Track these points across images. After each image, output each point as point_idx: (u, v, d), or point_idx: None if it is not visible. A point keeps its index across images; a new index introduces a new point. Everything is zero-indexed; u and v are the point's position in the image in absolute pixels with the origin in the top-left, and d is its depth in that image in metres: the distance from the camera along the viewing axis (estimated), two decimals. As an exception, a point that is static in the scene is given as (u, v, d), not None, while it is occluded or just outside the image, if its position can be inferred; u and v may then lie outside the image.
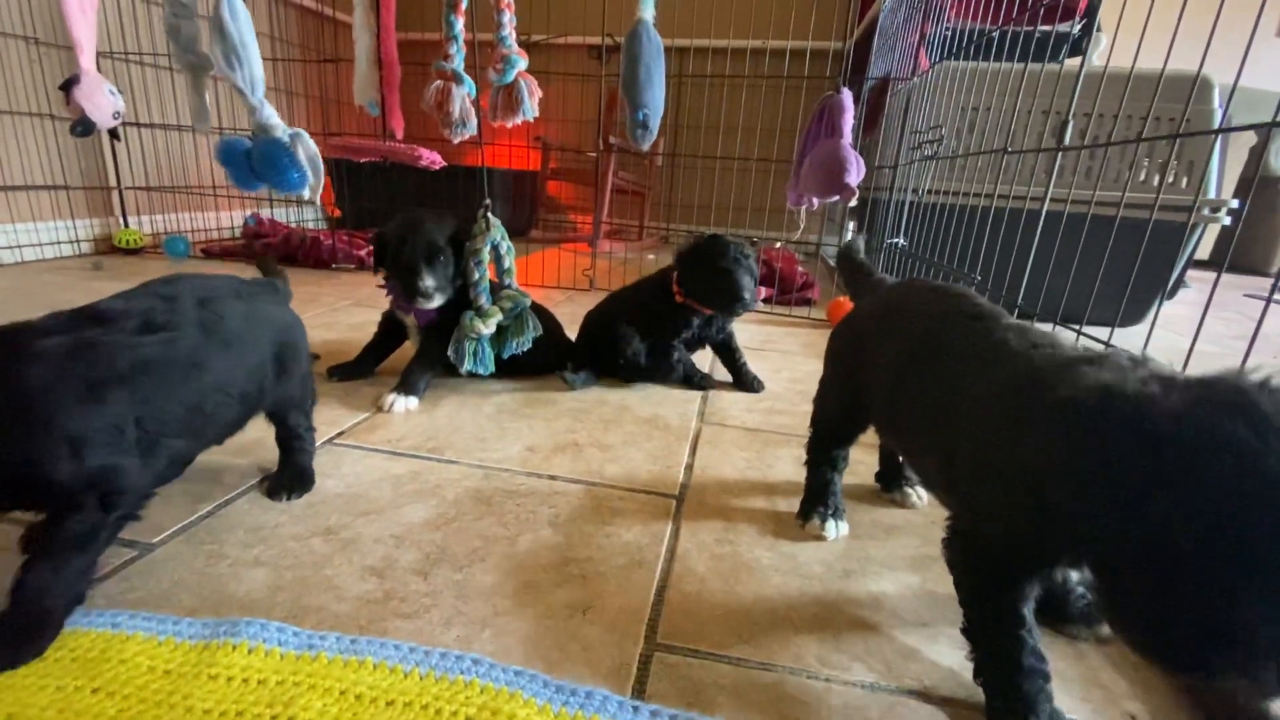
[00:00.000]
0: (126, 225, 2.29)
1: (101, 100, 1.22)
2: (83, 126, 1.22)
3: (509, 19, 1.03)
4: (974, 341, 0.54)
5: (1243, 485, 0.30)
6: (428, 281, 1.02)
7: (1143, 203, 1.21)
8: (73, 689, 0.45)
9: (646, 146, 1.11)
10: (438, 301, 1.06)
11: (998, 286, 1.14)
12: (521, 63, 1.04)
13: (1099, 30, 2.46)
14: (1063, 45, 2.38)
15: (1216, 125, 2.00)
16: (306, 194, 1.18)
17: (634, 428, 1.01)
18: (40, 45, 2.00)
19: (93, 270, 1.96)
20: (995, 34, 1.67)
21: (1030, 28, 2.11)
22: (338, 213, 3.07)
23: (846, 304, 1.82)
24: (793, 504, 0.77)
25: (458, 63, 1.01)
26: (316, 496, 0.75)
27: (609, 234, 3.49)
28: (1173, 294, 2.28)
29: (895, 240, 1.83)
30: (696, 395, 1.20)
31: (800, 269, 2.25)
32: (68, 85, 1.20)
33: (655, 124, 1.10)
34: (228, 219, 2.70)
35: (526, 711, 0.45)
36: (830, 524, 0.72)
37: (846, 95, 1.25)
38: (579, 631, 0.55)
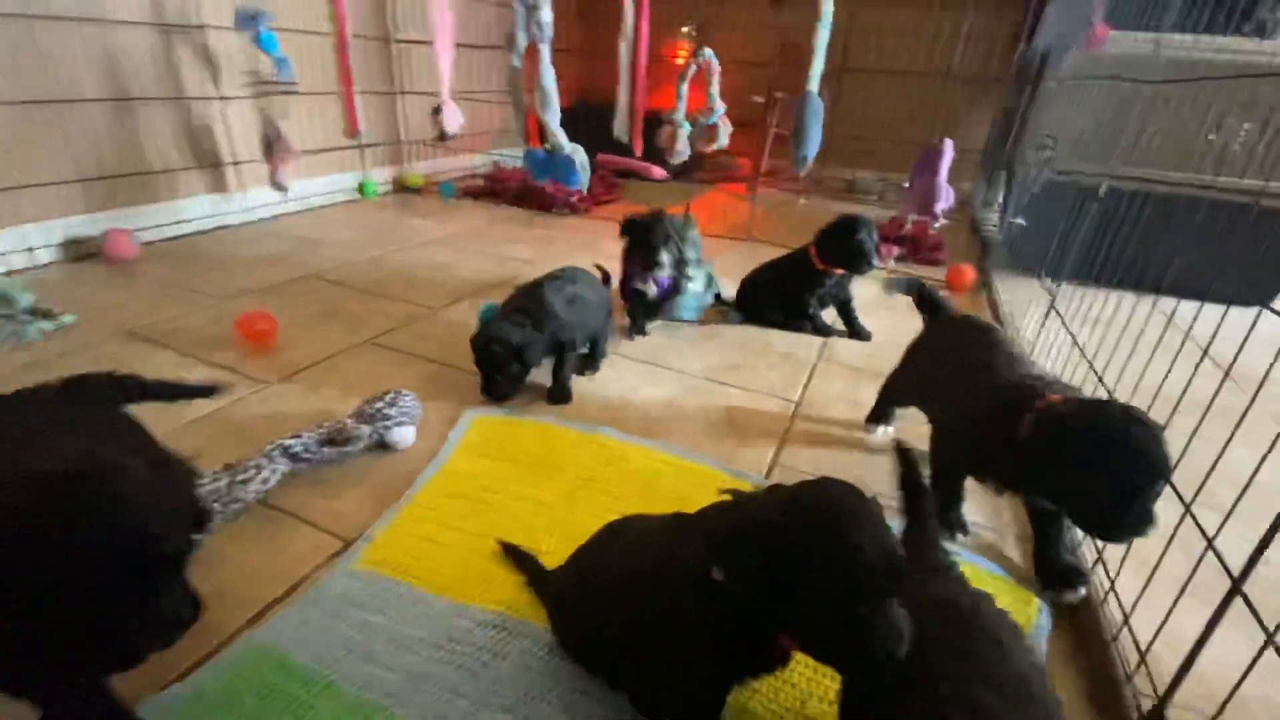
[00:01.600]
0: (410, 170, 3.16)
1: (454, 119, 1.94)
2: (443, 135, 1.96)
3: (716, 80, 1.57)
4: (973, 352, 1.05)
5: (1101, 447, 0.80)
6: (663, 257, 1.56)
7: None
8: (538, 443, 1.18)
9: (802, 174, 1.63)
10: (668, 272, 1.57)
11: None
12: (721, 109, 1.59)
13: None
14: (1245, 21, 2.33)
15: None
16: (578, 187, 1.84)
17: (774, 358, 1.61)
18: (391, 43, 2.80)
19: (400, 207, 2.85)
20: None
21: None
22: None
23: (966, 270, 2.20)
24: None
25: (679, 114, 1.59)
26: (608, 379, 1.45)
27: (767, 174, 3.88)
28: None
29: (1017, 220, 2.14)
30: (820, 340, 1.75)
31: (932, 231, 2.60)
32: (437, 109, 1.93)
33: (810, 160, 1.61)
34: (473, 162, 3.52)
35: (721, 476, 1.10)
36: (880, 429, 1.29)
37: (948, 144, 1.66)
38: (742, 443, 1.20)
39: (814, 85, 1.56)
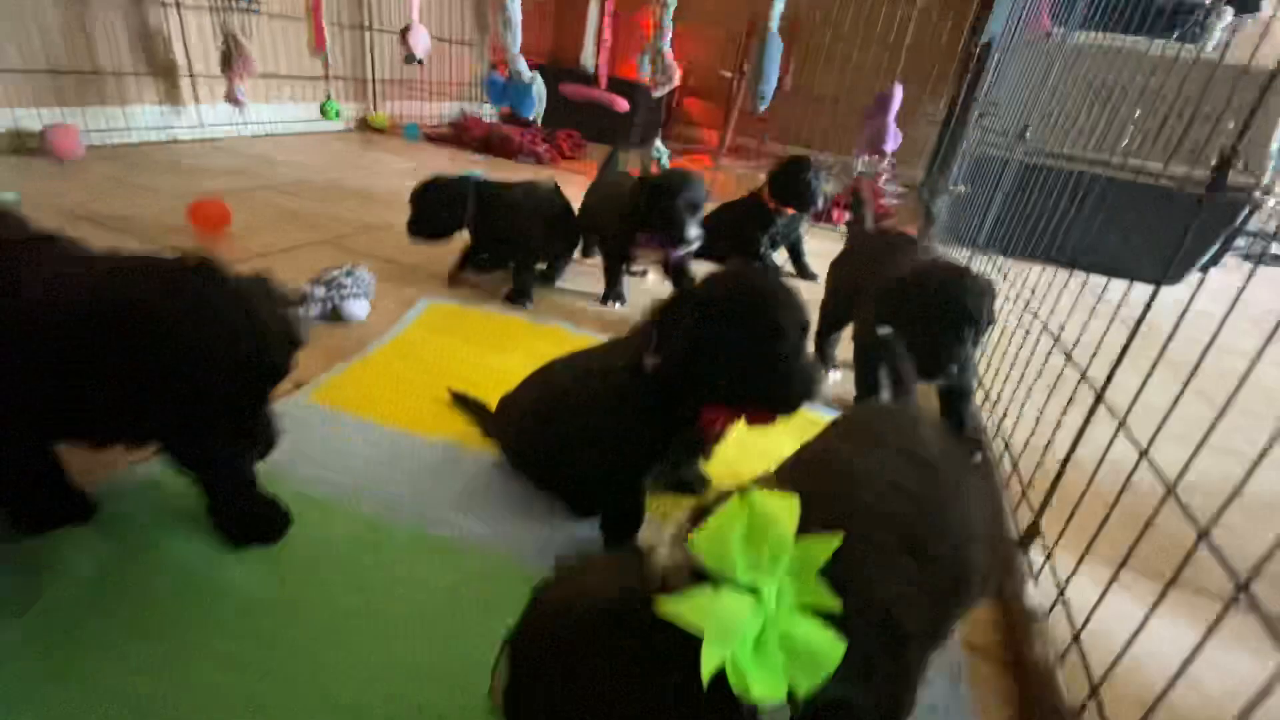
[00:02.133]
0: (376, 111, 3.13)
1: (423, 40, 1.95)
2: (411, 57, 1.97)
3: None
4: (891, 254, 1.14)
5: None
6: (692, 231, 1.31)
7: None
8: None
9: (763, 109, 1.72)
10: (695, 247, 1.34)
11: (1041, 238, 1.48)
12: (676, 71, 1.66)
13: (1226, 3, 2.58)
14: (1185, 18, 2.54)
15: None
16: (532, 116, 1.88)
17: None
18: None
19: (361, 142, 2.81)
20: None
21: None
22: (507, 110, 3.79)
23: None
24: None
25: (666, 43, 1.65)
26: (568, 297, 1.50)
27: (731, 149, 3.98)
28: (1216, 262, 2.53)
29: (958, 186, 2.28)
30: (768, 276, 1.84)
31: (883, 200, 2.73)
32: (406, 29, 1.94)
33: (769, 97, 1.70)
34: (440, 109, 3.49)
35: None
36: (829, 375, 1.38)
37: (897, 88, 1.77)
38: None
39: (774, 24, 1.64)
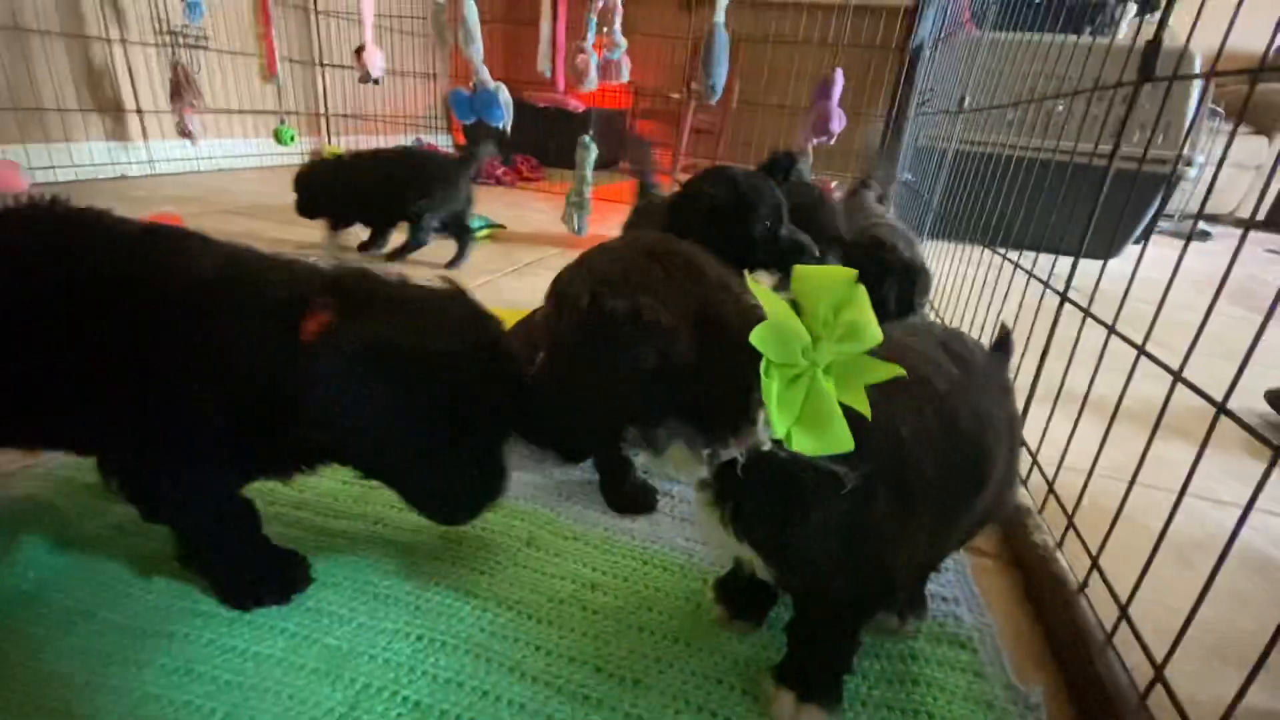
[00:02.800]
0: (330, 143, 3.12)
1: (377, 60, 1.97)
2: (366, 77, 1.98)
3: (618, 18, 1.70)
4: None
5: None
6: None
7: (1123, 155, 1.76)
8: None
9: (714, 102, 1.78)
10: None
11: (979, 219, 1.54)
12: (623, 44, 1.72)
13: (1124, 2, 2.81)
14: (1098, 13, 2.75)
15: (1195, 96, 2.41)
16: (502, 125, 1.90)
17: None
18: (312, 13, 2.78)
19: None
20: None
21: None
22: (462, 141, 3.84)
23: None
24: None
25: (589, 43, 1.71)
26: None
27: (685, 168, 4.09)
28: (1148, 236, 2.70)
29: (906, 176, 2.39)
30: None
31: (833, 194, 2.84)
32: (360, 49, 1.96)
33: (720, 89, 1.76)
34: (395, 141, 3.51)
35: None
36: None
37: (838, 73, 1.87)
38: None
39: (720, 18, 1.72)
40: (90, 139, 2.15)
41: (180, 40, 2.28)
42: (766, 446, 0.36)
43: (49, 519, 0.58)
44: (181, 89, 2.09)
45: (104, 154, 2.19)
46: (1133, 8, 2.85)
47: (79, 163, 2.11)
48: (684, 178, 3.40)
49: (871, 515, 0.39)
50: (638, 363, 0.36)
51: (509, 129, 1.89)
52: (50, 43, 1.98)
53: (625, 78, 1.78)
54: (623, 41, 1.73)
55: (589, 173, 1.80)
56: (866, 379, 0.35)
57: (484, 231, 1.82)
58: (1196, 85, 2.33)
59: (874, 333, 0.34)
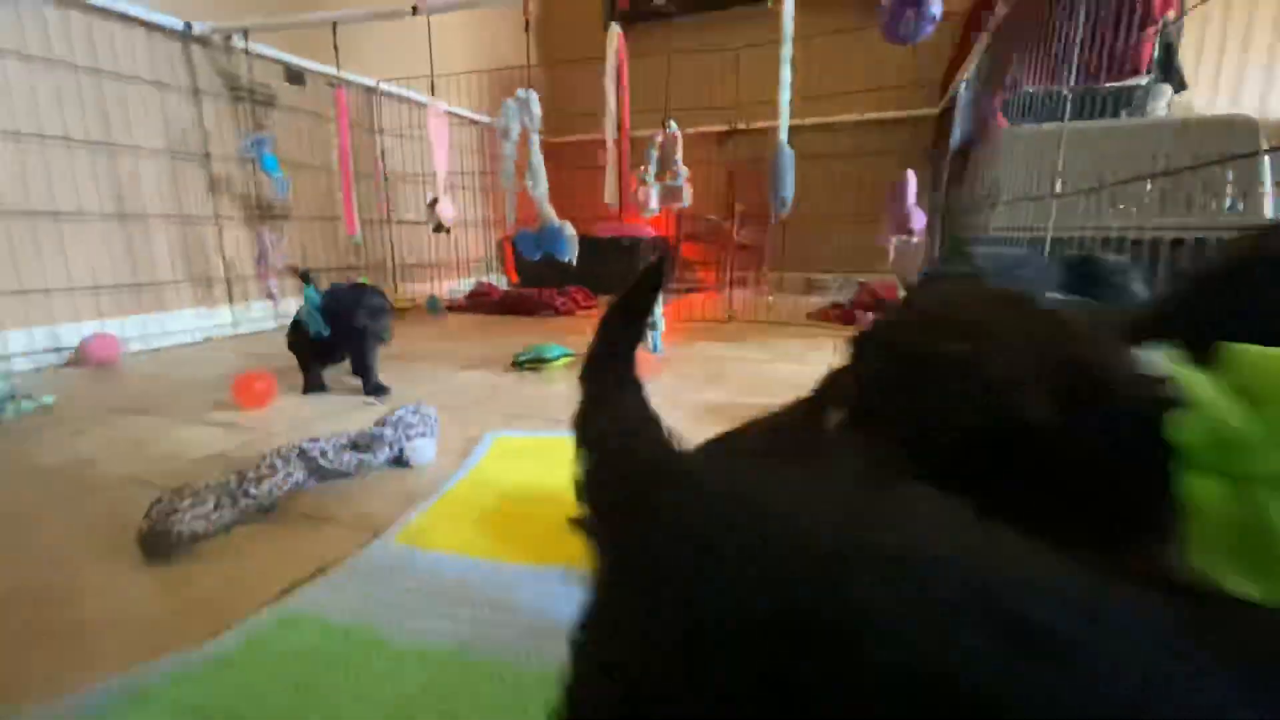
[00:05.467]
0: (397, 291, 3.26)
1: (449, 211, 2.07)
2: (439, 226, 2.07)
3: (679, 148, 1.75)
4: None
5: None
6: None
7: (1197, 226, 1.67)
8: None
9: (785, 213, 1.78)
10: None
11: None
12: (685, 173, 1.76)
13: (1161, 82, 2.86)
14: (1132, 96, 2.79)
15: (1265, 161, 2.35)
16: (568, 258, 1.93)
17: (780, 386, 1.61)
18: (379, 177, 3.03)
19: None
20: (1069, 94, 2.17)
21: (1100, 85, 2.62)
22: (515, 279, 3.99)
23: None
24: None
25: (650, 175, 1.74)
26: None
27: (734, 282, 4.14)
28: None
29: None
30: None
31: (900, 295, 2.78)
32: (433, 203, 2.06)
33: (790, 201, 1.77)
34: (455, 285, 3.67)
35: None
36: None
37: (910, 175, 1.87)
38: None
39: (784, 136, 1.75)
40: (182, 307, 2.26)
41: (269, 213, 2.46)
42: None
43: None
44: (266, 255, 2.21)
45: (193, 320, 2.29)
46: (1166, 90, 2.89)
47: (170, 330, 2.21)
48: (736, 288, 3.35)
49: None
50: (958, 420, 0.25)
51: (574, 261, 1.91)
52: (152, 225, 2.15)
53: (688, 202, 1.82)
54: (684, 170, 1.79)
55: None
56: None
57: (563, 360, 1.78)
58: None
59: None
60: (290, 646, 0.59)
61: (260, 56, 2.40)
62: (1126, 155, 2.34)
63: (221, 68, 2.33)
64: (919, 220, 1.84)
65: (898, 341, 0.32)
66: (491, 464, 1.05)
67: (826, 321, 2.71)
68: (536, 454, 1.11)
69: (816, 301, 3.28)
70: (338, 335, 1.45)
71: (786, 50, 1.67)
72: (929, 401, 0.28)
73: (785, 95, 1.68)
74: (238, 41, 2.32)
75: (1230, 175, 2.18)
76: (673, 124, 1.80)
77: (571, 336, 2.34)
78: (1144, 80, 2.91)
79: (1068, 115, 1.99)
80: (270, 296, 2.30)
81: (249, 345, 2.24)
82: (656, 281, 0.39)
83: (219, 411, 1.39)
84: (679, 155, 1.79)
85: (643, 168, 1.83)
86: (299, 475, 0.91)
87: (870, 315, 2.64)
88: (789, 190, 1.76)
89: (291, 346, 1.54)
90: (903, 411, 0.30)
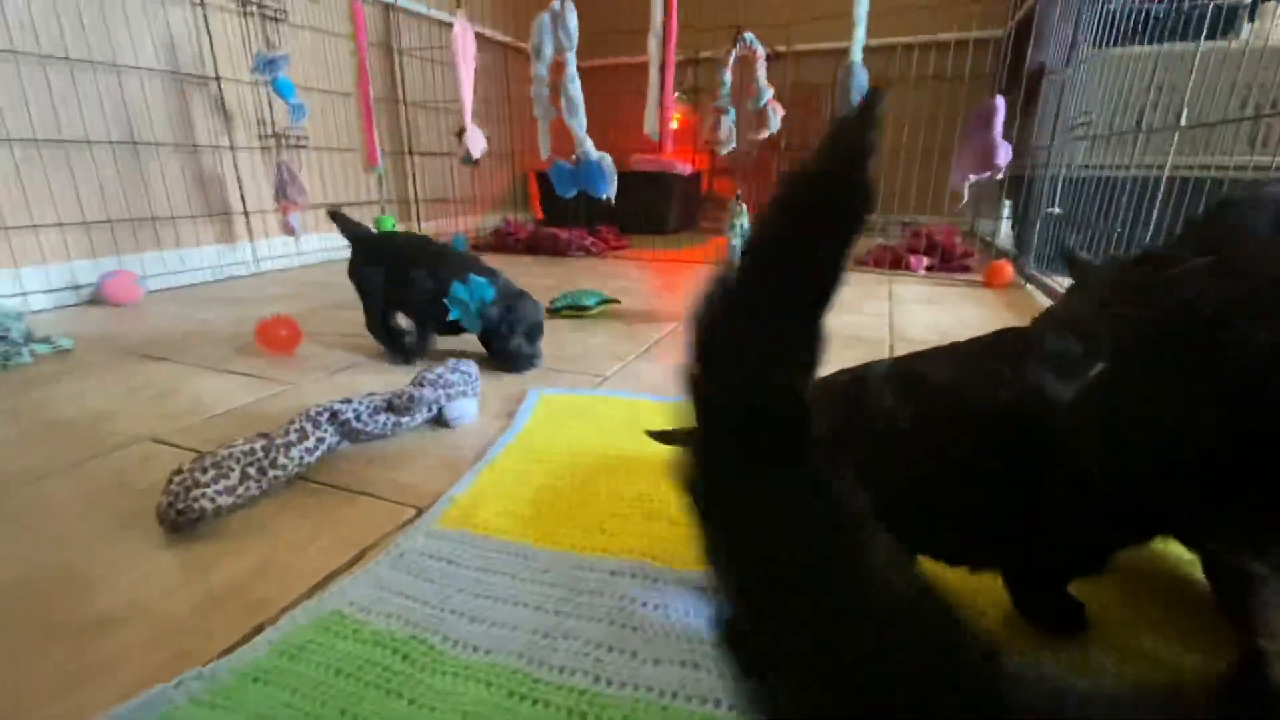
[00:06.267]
0: (421, 229, 3.12)
1: (478, 142, 1.90)
2: (468, 158, 1.91)
3: (762, 66, 1.54)
4: None
5: None
6: None
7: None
8: (633, 409, 1.01)
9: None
10: None
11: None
12: (769, 92, 1.55)
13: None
14: (1234, 15, 2.46)
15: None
16: (607, 195, 1.77)
17: (844, 340, 1.48)
18: (401, 105, 2.84)
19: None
20: (1157, 10, 1.89)
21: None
22: (540, 215, 3.81)
23: (1003, 267, 2.14)
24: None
25: (725, 102, 1.54)
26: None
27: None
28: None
29: (1052, 210, 2.10)
30: (887, 320, 1.63)
31: (958, 240, 2.57)
32: (460, 132, 1.89)
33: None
34: (480, 221, 3.51)
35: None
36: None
37: (1000, 100, 1.63)
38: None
39: (857, 55, 1.53)
40: (201, 244, 2.16)
41: (284, 142, 2.31)
42: None
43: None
44: (286, 187, 2.08)
45: (213, 257, 2.19)
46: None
47: (190, 267, 2.12)
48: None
49: None
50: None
51: (614, 198, 1.75)
52: (163, 154, 2.02)
53: (776, 127, 1.63)
54: (769, 89, 1.58)
55: (740, 229, 1.64)
56: None
57: (599, 307, 1.66)
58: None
59: None
60: (331, 658, 0.51)
61: (268, -35, 2.19)
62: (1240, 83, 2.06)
63: (227, -22, 2.13)
64: (1004, 155, 1.61)
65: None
66: (539, 428, 0.95)
67: (877, 267, 2.54)
68: (587, 415, 1.00)
69: (862, 243, 3.07)
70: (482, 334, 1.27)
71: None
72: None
73: (863, 3, 1.45)
74: (243, -53, 2.10)
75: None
76: (748, 35, 1.57)
77: (610, 281, 2.20)
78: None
79: (1180, 35, 1.73)
80: (291, 232, 2.18)
81: (271, 284, 2.15)
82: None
83: (241, 358, 1.30)
84: (761, 74, 1.58)
85: (715, 100, 1.63)
86: (331, 439, 0.82)
87: (924, 260, 2.45)
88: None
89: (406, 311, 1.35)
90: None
